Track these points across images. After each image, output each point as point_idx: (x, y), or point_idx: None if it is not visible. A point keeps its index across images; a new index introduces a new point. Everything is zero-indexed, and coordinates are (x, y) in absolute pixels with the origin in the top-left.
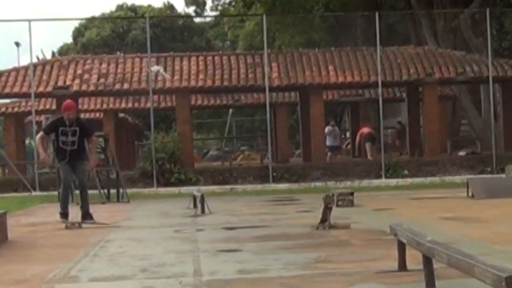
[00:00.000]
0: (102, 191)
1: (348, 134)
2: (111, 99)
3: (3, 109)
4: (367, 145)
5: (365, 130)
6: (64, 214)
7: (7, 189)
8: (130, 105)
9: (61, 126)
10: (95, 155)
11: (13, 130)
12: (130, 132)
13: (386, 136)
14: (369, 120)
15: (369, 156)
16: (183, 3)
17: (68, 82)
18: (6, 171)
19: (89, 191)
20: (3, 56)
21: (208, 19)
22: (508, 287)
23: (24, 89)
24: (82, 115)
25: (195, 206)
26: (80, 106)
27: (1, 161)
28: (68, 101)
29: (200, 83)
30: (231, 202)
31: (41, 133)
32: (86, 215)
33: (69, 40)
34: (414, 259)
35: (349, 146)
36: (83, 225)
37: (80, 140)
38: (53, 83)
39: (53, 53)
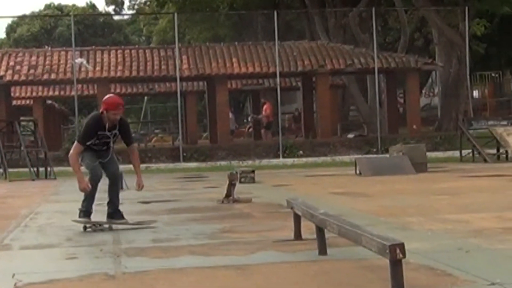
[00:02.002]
0: (32, 169)
1: (250, 119)
2: (40, 87)
3: None
4: (263, 131)
5: (267, 107)
6: (87, 212)
7: None
8: (56, 93)
9: (99, 129)
10: (140, 174)
11: None
12: (56, 117)
13: (283, 120)
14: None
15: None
16: (104, 3)
17: (1, 73)
18: None
19: (19, 170)
20: None
21: (126, 17)
22: (391, 254)
23: None
24: (14, 102)
25: None
26: (12, 94)
27: None
28: (114, 96)
29: (118, 74)
30: (146, 179)
31: (76, 147)
32: (116, 213)
33: (2, 35)
34: (308, 229)
35: (250, 130)
36: (106, 226)
37: (113, 143)
38: None
39: None
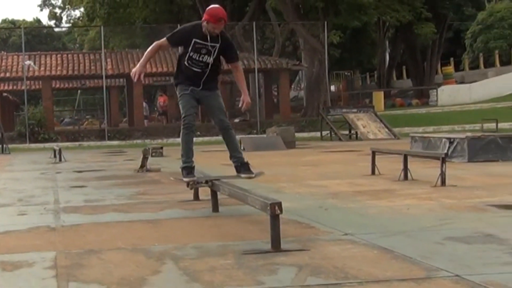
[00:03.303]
0: None
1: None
2: None
3: None
4: (158, 117)
5: (162, 99)
6: (189, 168)
7: None
8: (10, 87)
9: (196, 36)
10: (246, 91)
11: None
12: (10, 106)
13: None
14: (173, 97)
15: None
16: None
17: None
18: None
19: None
20: None
21: (63, 29)
22: (271, 210)
23: None
24: None
25: (55, 156)
26: None
27: None
28: (218, 7)
29: (58, 72)
30: (79, 154)
31: (162, 40)
32: (243, 165)
33: None
34: (205, 192)
35: (158, 116)
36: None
37: (217, 63)
38: None
39: None
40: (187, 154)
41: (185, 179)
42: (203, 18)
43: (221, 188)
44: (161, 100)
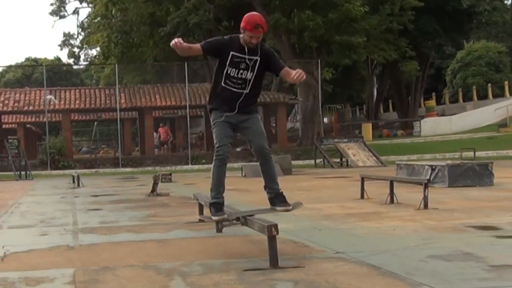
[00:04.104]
0: (16, 172)
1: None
2: (22, 116)
3: None
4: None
5: (161, 130)
6: (218, 205)
7: None
8: (33, 119)
9: (233, 49)
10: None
11: None
12: (33, 136)
13: (192, 138)
14: (181, 128)
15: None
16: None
17: None
18: None
19: (7, 173)
20: None
21: (81, 66)
22: (269, 231)
23: None
24: (3, 126)
25: (73, 182)
26: (2, 120)
27: None
28: (255, 14)
29: (76, 106)
30: (95, 180)
31: (196, 44)
32: (278, 197)
33: None
34: (208, 214)
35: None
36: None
37: (258, 81)
38: None
39: None
40: (218, 188)
41: (214, 218)
42: (240, 28)
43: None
44: (161, 131)
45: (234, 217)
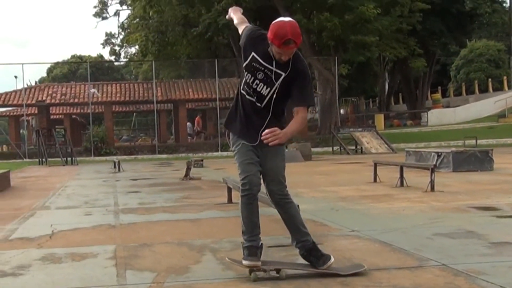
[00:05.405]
0: (62, 158)
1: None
2: (68, 107)
3: (8, 113)
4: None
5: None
6: (252, 248)
7: (9, 158)
8: (78, 111)
9: (256, 50)
10: (289, 130)
11: (13, 125)
12: (78, 126)
13: (221, 128)
14: (212, 119)
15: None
16: (108, 54)
17: (44, 98)
18: (9, 147)
19: (55, 159)
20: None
21: (122, 63)
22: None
23: (20, 102)
24: (51, 117)
25: (114, 167)
26: (50, 112)
27: (6, 142)
28: (286, 21)
29: (117, 98)
30: (135, 165)
31: (242, 27)
32: (312, 253)
33: (44, 74)
34: (237, 197)
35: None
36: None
37: (280, 102)
38: (36, 99)
39: (36, 82)
40: (251, 230)
41: (245, 263)
42: (268, 38)
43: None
44: (198, 120)
45: (271, 268)
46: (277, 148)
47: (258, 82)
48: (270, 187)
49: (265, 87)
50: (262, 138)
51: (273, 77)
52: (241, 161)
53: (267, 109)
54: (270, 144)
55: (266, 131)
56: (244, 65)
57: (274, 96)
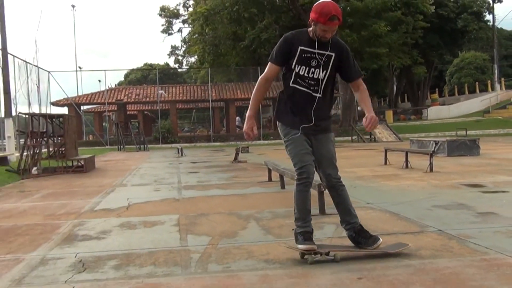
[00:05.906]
0: (136, 146)
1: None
2: (141, 105)
3: (94, 110)
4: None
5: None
6: (307, 234)
7: (95, 145)
8: (149, 108)
9: (302, 43)
10: (371, 107)
11: (98, 119)
12: (149, 120)
13: (263, 121)
14: (238, 114)
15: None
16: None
17: (122, 97)
18: (95, 137)
19: (131, 146)
20: (92, 86)
21: (184, 69)
22: (319, 188)
23: (103, 100)
24: (128, 113)
25: (178, 153)
26: (127, 108)
27: (92, 133)
28: (329, 1)
29: (180, 98)
30: (194, 151)
31: (267, 69)
32: (361, 233)
33: (122, 78)
34: (276, 176)
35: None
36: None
37: (331, 82)
38: (115, 98)
39: (115, 85)
40: (304, 217)
41: (301, 247)
42: (309, 19)
43: (286, 174)
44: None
45: (326, 251)
46: (328, 135)
47: (313, 70)
48: (328, 171)
49: (320, 71)
50: (367, 130)
51: (322, 60)
52: (297, 151)
53: (320, 91)
54: (371, 128)
55: (366, 122)
56: (293, 63)
57: (326, 77)
